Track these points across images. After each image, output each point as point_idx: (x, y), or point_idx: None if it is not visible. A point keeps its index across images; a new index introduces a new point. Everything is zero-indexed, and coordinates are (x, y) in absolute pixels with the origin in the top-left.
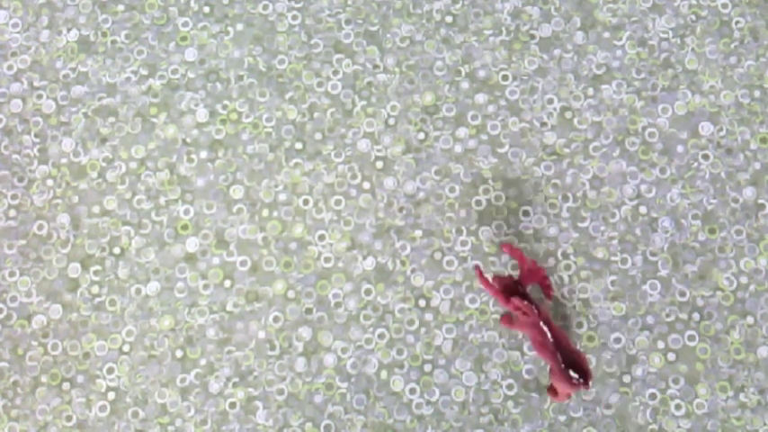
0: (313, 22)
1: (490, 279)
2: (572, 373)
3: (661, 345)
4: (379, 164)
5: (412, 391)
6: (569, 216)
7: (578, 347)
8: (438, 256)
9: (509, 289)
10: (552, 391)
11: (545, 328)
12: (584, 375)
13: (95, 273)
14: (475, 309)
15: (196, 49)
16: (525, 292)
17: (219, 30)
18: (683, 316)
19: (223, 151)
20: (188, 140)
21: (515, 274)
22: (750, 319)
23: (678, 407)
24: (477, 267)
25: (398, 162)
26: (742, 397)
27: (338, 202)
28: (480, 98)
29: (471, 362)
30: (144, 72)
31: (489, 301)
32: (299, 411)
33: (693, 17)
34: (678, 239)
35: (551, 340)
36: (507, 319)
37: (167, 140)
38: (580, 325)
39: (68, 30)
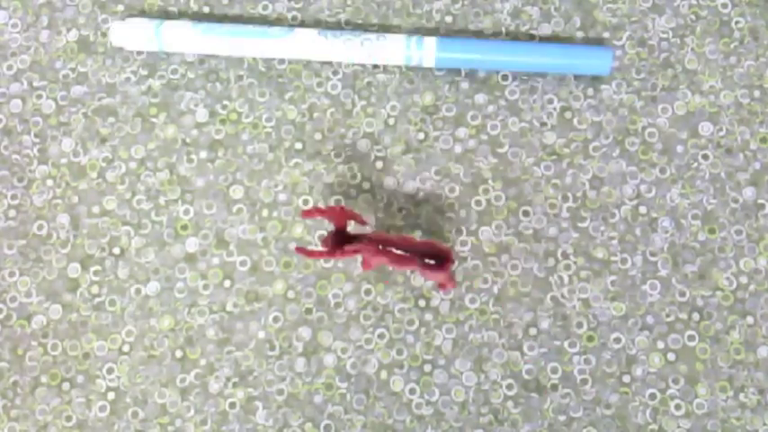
0: (313, 22)
1: (315, 248)
2: (431, 261)
3: (661, 345)
4: (379, 164)
5: (412, 391)
6: (569, 216)
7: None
8: None
9: (336, 240)
10: (441, 286)
11: (386, 249)
12: (443, 255)
13: (95, 273)
14: (474, 309)
15: None
16: (348, 234)
17: None
18: (683, 316)
19: (223, 151)
20: (188, 140)
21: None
22: (750, 319)
23: (678, 407)
24: (297, 249)
25: (398, 162)
26: (742, 397)
27: (338, 203)
28: (480, 98)
29: (471, 362)
30: (144, 72)
31: (489, 302)
32: (299, 411)
33: (693, 17)
34: (678, 239)
35: (399, 253)
36: (366, 263)
37: (167, 140)
38: (580, 325)
39: (68, 30)
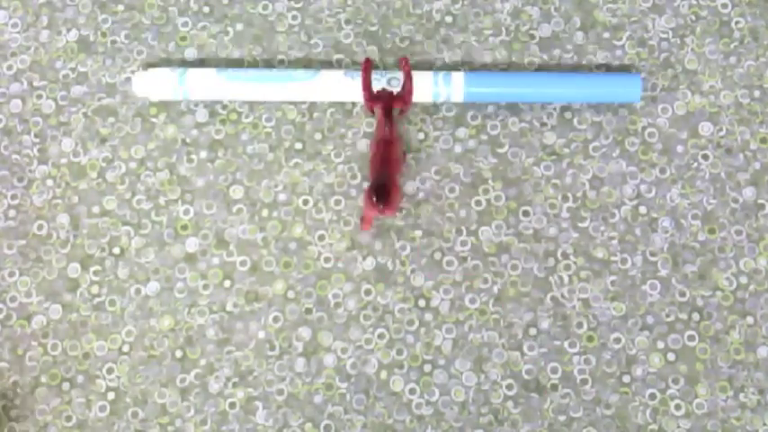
0: (313, 22)
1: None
2: (373, 193)
3: (661, 345)
4: None
5: (412, 391)
6: (569, 216)
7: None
8: (438, 256)
9: (381, 97)
10: (361, 219)
11: (380, 148)
12: (387, 201)
13: (95, 273)
14: (475, 309)
15: (196, 49)
16: (390, 108)
17: (219, 30)
18: (683, 316)
19: (223, 151)
20: (188, 140)
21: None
22: (750, 320)
23: (678, 407)
24: (367, 60)
25: None
26: (742, 397)
27: (338, 203)
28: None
29: (471, 362)
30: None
31: (489, 302)
32: (299, 411)
33: (693, 17)
34: (678, 239)
35: (378, 158)
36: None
37: (167, 140)
38: (580, 325)
39: (68, 30)
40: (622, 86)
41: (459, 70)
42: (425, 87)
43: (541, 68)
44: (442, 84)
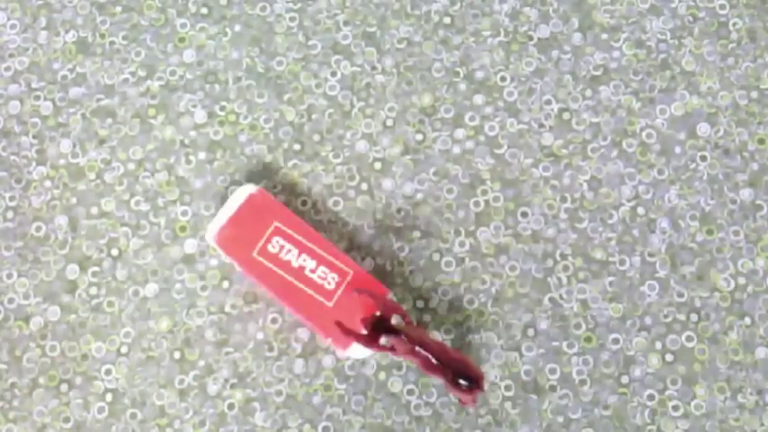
0: (311, 23)
1: (355, 328)
2: (462, 382)
3: (659, 346)
4: (378, 165)
5: (410, 392)
6: (567, 217)
7: (464, 355)
8: (436, 257)
9: (376, 326)
10: (461, 401)
11: (422, 351)
12: (475, 379)
13: (93, 274)
14: (473, 310)
15: (194, 50)
16: (390, 325)
17: (217, 31)
18: (681, 317)
19: (221, 152)
20: (186, 142)
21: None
22: (748, 320)
23: (676, 408)
24: (338, 323)
25: (397, 163)
26: (740, 398)
27: (336, 204)
28: (478, 99)
29: None
30: (142, 73)
31: (487, 303)
32: (298, 413)
33: (691, 18)
34: (676, 240)
35: (434, 361)
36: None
37: (165, 142)
38: (578, 326)
39: (66, 31)
40: None
41: None
42: None
43: (539, 71)
44: None
